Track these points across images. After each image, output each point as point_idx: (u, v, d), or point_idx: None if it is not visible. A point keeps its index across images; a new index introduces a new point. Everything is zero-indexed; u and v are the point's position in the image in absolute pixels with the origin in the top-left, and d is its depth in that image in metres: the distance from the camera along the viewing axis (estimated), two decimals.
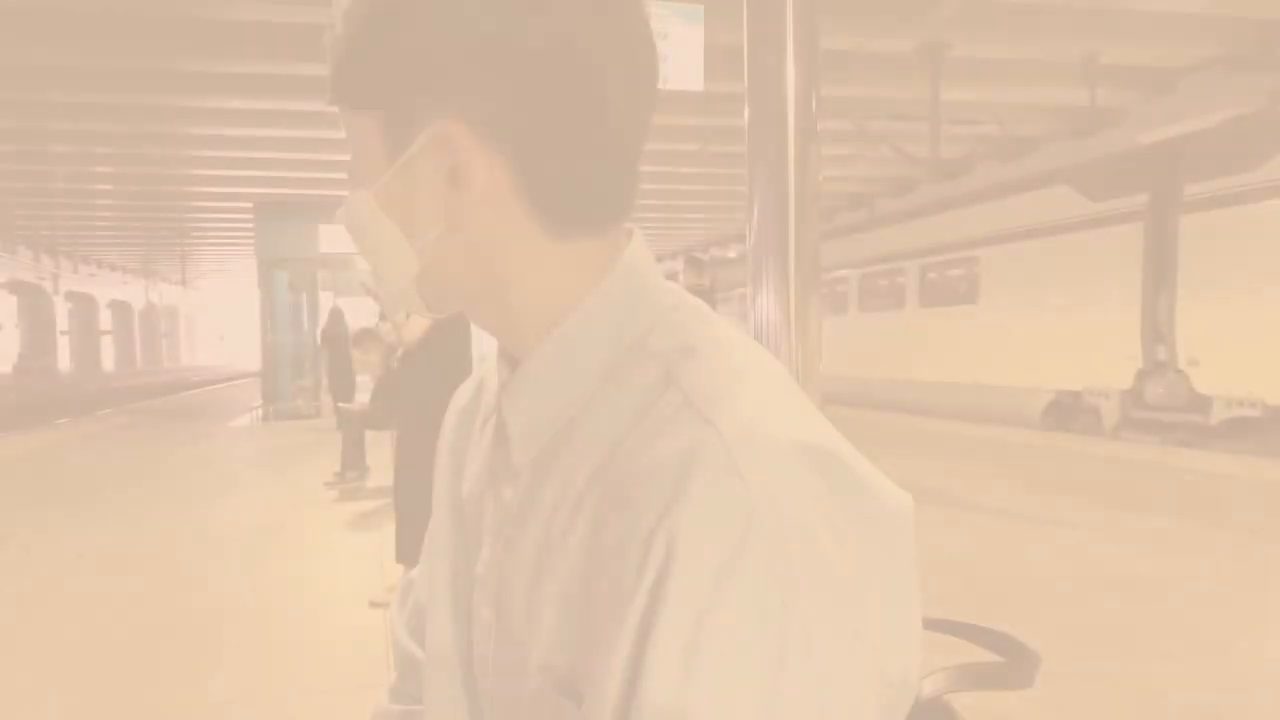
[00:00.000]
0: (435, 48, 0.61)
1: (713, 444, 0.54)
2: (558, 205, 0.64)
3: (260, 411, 16.58)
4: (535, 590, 0.63)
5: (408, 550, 4.33)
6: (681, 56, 7.02)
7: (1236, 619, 4.00)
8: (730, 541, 0.51)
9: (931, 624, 0.78)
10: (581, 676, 0.57)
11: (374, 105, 0.65)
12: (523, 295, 0.67)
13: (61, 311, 56.54)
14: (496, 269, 0.66)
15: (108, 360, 65.15)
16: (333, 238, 15.85)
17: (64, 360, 58.60)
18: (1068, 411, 11.61)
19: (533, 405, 0.67)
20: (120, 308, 66.66)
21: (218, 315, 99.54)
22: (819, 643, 0.52)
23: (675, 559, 0.51)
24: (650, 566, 0.52)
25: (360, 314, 16.03)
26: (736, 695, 0.50)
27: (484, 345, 0.78)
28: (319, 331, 14.60)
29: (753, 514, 0.52)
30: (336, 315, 13.01)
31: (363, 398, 10.34)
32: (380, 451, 8.91)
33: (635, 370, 0.63)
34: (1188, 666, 3.47)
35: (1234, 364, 9.21)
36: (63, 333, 58.04)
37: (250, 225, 19.51)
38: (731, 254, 32.14)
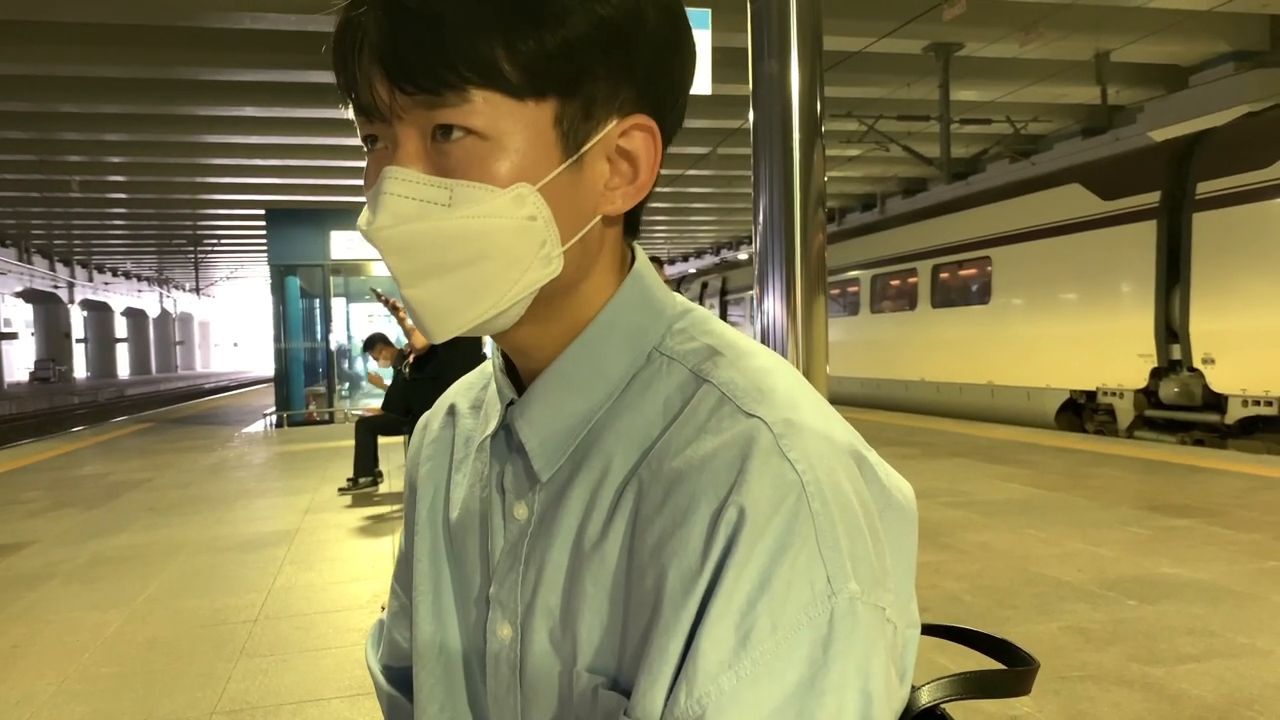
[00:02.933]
0: (624, 33, 0.60)
1: (762, 433, 0.57)
2: (643, 202, 0.66)
3: (274, 417, 16.65)
4: (572, 598, 0.63)
5: None
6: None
7: (1255, 619, 3.97)
8: (784, 523, 0.54)
9: (930, 630, 0.78)
10: (630, 671, 0.59)
11: (555, 92, 0.59)
12: (580, 299, 0.66)
13: (77, 319, 56.96)
14: (584, 270, 0.65)
15: (123, 367, 65.57)
16: (344, 244, 15.88)
17: (80, 368, 59.03)
18: (1082, 411, 11.56)
19: (551, 417, 0.66)
20: (135, 315, 67.08)
21: (231, 322, 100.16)
22: (861, 620, 0.54)
23: (739, 541, 0.54)
24: (715, 549, 0.55)
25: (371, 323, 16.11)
26: (787, 670, 0.53)
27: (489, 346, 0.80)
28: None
29: (802, 497, 0.55)
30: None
31: (375, 403, 10.38)
32: (393, 457, 8.94)
33: (658, 373, 0.65)
34: (1205, 668, 3.44)
35: (1249, 362, 9.14)
36: (79, 340, 58.49)
37: (262, 231, 19.62)
38: (743, 255, 32.16)
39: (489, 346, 0.80)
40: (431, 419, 0.84)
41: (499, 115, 0.58)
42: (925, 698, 0.67)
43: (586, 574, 0.62)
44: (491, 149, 0.58)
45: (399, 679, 0.83)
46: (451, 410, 0.81)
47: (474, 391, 0.81)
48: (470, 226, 0.59)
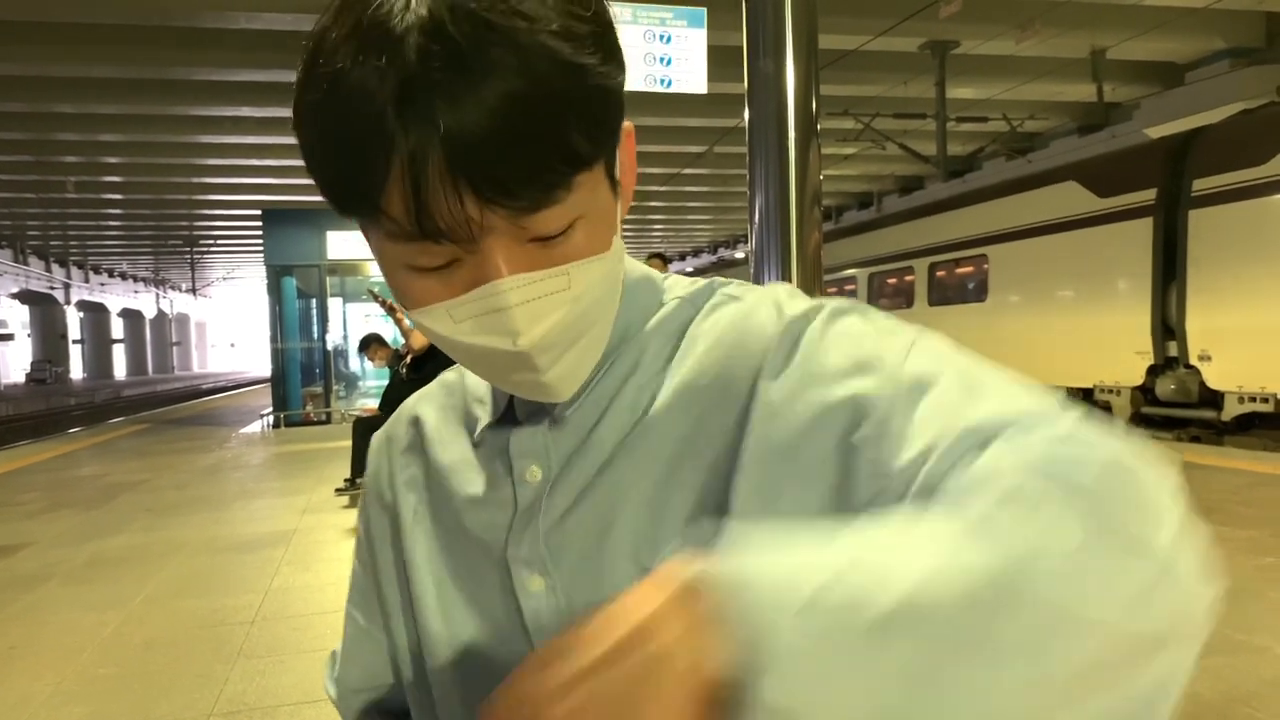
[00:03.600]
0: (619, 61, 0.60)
1: (778, 290, 0.70)
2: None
3: (271, 418, 16.63)
4: (664, 503, 0.66)
5: None
6: (685, 59, 7.02)
7: (1251, 616, 3.98)
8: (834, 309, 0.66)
9: None
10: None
11: (605, 150, 0.59)
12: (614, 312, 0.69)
13: (73, 320, 56.88)
14: (617, 286, 0.67)
15: (119, 369, 65.48)
16: (340, 244, 15.86)
17: (76, 369, 58.92)
18: None
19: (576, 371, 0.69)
20: (131, 316, 66.98)
21: (228, 322, 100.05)
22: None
23: (805, 337, 0.64)
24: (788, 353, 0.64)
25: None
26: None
27: None
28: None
29: (822, 305, 0.66)
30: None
31: (372, 403, 10.37)
32: None
33: (669, 311, 0.72)
34: (1202, 665, 3.42)
35: (1246, 359, 9.16)
36: (75, 341, 58.40)
37: (259, 232, 19.61)
38: (739, 254, 32.14)
39: None
40: (394, 433, 0.84)
41: (585, 190, 0.57)
42: None
43: (633, 474, 0.66)
44: (591, 223, 0.59)
45: (373, 704, 0.84)
46: (415, 421, 0.82)
47: (436, 400, 0.82)
48: (590, 301, 0.61)
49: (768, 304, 0.68)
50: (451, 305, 0.58)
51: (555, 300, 0.58)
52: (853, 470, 0.57)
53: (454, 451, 0.77)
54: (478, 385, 0.78)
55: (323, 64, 0.54)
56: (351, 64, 0.53)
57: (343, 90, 0.53)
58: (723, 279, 0.76)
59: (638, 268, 0.75)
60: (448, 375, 0.83)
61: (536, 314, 0.58)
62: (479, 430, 0.75)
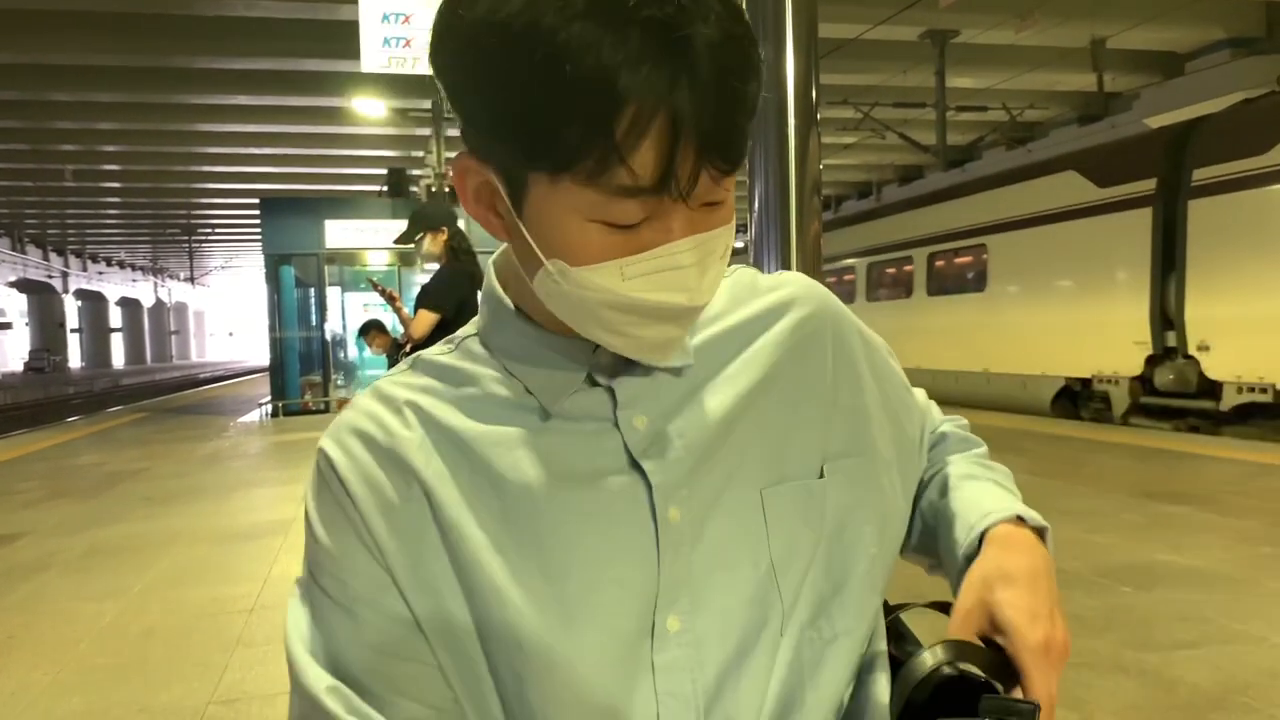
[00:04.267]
0: None
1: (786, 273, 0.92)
2: None
3: (269, 407, 16.63)
4: (766, 433, 0.77)
5: None
6: None
7: (1249, 606, 3.99)
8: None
9: (938, 605, 0.79)
10: (837, 444, 0.81)
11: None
12: None
13: (71, 309, 56.84)
14: None
15: (117, 357, 65.45)
16: (339, 233, 15.84)
17: (74, 358, 58.87)
18: (1077, 399, 11.58)
19: None
20: (130, 305, 66.93)
21: (226, 311, 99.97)
22: None
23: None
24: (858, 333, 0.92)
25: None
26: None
27: None
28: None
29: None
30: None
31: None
32: None
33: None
34: (1200, 655, 3.46)
35: (1244, 349, 9.16)
36: (73, 330, 58.36)
37: (257, 221, 19.58)
38: (739, 244, 32.09)
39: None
40: (374, 434, 0.73)
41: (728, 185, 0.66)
42: (930, 660, 0.68)
43: (752, 416, 0.77)
44: (732, 195, 0.67)
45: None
46: (405, 410, 0.74)
47: (429, 388, 0.75)
48: (726, 261, 0.69)
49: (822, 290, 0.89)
50: (626, 262, 0.62)
51: (714, 262, 0.66)
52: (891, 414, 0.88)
53: (505, 426, 0.72)
54: (523, 365, 0.74)
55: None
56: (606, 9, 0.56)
57: (599, 30, 0.56)
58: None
59: None
60: (400, 372, 0.77)
61: (704, 273, 0.65)
62: (561, 400, 0.73)
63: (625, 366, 0.74)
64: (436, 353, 0.78)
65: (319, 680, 0.75)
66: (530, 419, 0.73)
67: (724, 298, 0.82)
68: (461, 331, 0.79)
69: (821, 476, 0.77)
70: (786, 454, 0.77)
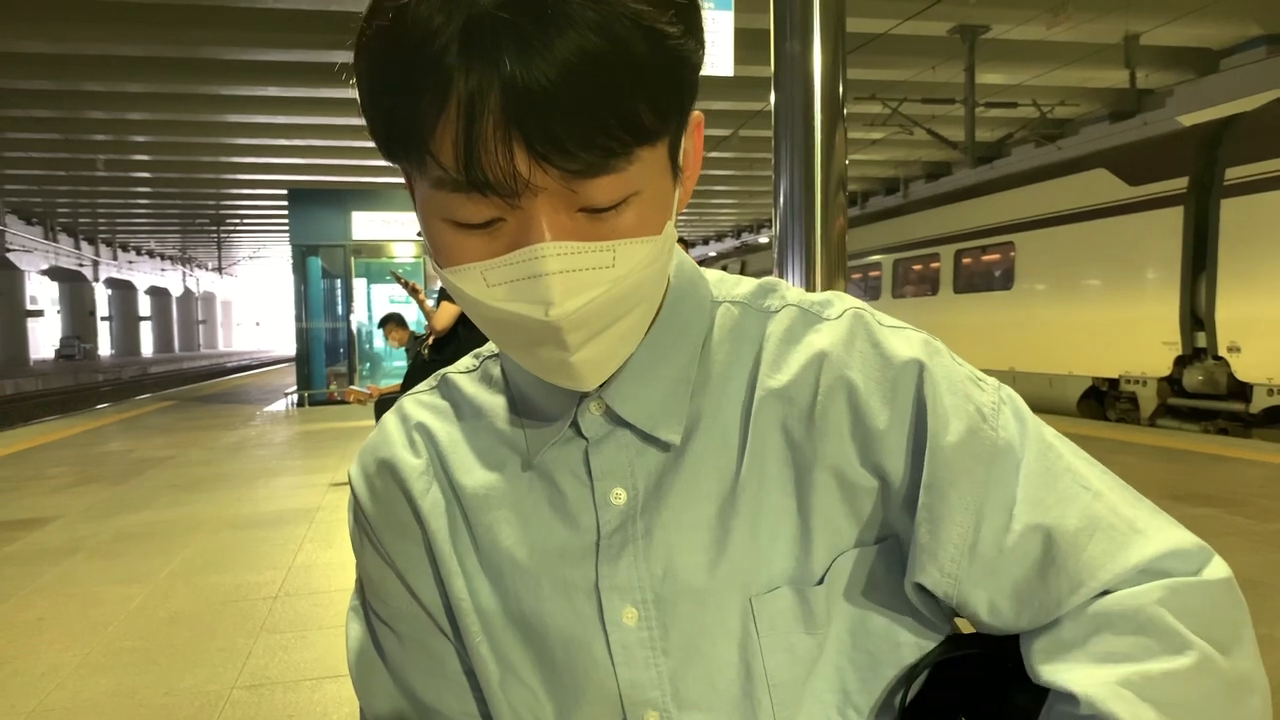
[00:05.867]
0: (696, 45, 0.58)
1: (863, 317, 0.69)
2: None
3: (295, 396, 16.75)
4: (729, 537, 0.65)
5: None
6: (712, 41, 6.96)
7: (1276, 610, 3.93)
8: (935, 358, 0.67)
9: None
10: (818, 558, 0.66)
11: (675, 124, 0.58)
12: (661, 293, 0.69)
13: (102, 298, 57.48)
14: (664, 275, 0.65)
15: (146, 346, 66.15)
16: (365, 224, 15.93)
17: (104, 346, 59.53)
18: (1104, 399, 11.47)
19: (650, 388, 0.67)
20: (158, 294, 67.61)
21: (253, 301, 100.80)
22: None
23: (924, 390, 0.64)
24: (912, 400, 0.65)
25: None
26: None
27: None
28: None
29: (928, 340, 0.68)
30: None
31: (394, 382, 10.42)
32: None
33: (729, 317, 0.71)
34: None
35: (1276, 350, 9.03)
36: (103, 318, 59.04)
37: (285, 212, 19.70)
38: (763, 239, 32.00)
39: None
40: (392, 456, 0.75)
41: (645, 167, 0.55)
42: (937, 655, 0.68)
43: (745, 505, 0.65)
44: (646, 201, 0.57)
45: None
46: (422, 436, 0.75)
47: (444, 413, 0.76)
48: (632, 283, 0.58)
49: (862, 335, 0.68)
50: (487, 266, 0.56)
51: (596, 276, 0.55)
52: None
53: (494, 472, 0.72)
54: (523, 398, 0.72)
55: None
56: None
57: (406, 23, 0.51)
58: (771, 279, 0.75)
59: (688, 262, 0.72)
60: (463, 388, 0.77)
61: (574, 286, 0.55)
62: (542, 452, 0.70)
63: (612, 418, 0.68)
64: (460, 371, 0.78)
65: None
66: (516, 468, 0.71)
67: (746, 344, 0.70)
68: (488, 347, 0.78)
69: (820, 583, 0.66)
70: (775, 549, 0.67)
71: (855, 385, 0.65)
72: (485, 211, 0.54)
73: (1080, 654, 0.59)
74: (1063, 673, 0.59)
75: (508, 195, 0.53)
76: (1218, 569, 0.61)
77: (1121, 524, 0.62)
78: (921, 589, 0.65)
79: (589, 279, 0.55)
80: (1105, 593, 0.60)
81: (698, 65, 0.57)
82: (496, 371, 0.76)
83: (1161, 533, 0.62)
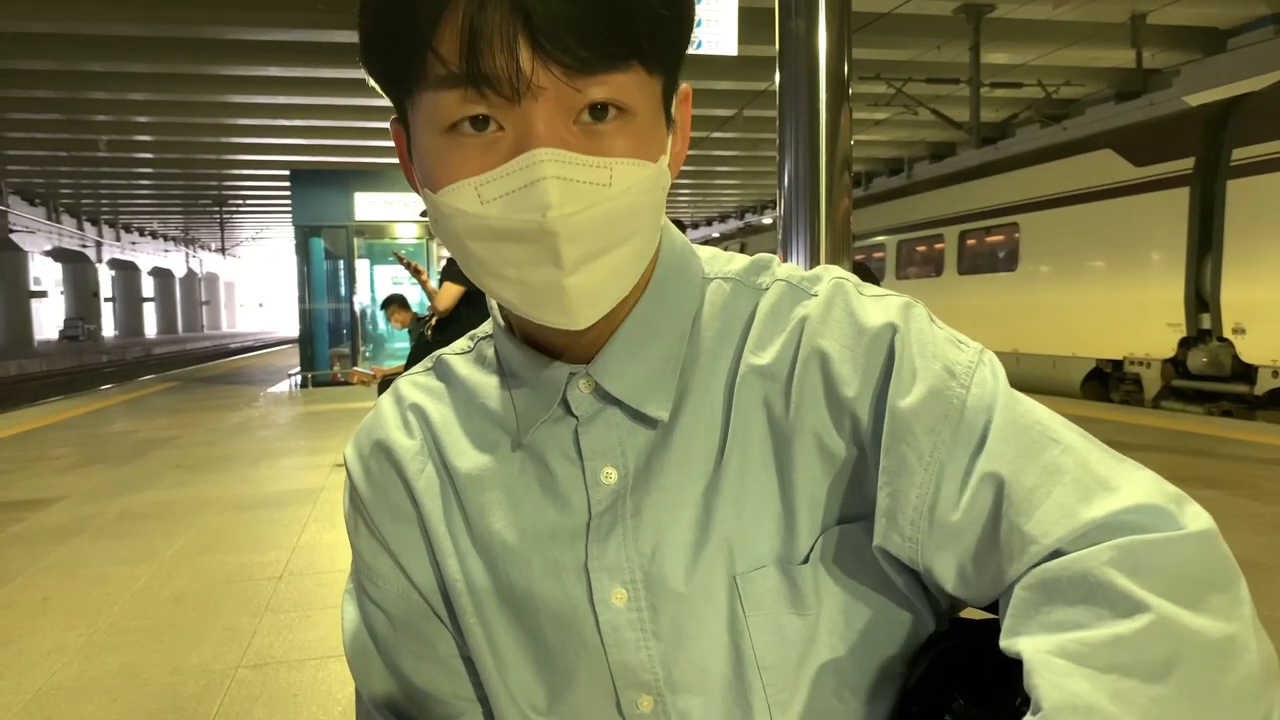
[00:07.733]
0: (694, 5, 0.61)
1: (843, 285, 0.68)
2: None
3: (298, 377, 16.78)
4: (713, 516, 0.65)
5: None
6: (715, 19, 6.91)
7: (1279, 592, 3.94)
8: (912, 321, 0.66)
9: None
10: (803, 535, 0.66)
11: (669, 67, 0.61)
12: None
13: (105, 279, 57.49)
14: (660, 207, 0.65)
15: (150, 327, 66.23)
16: (368, 205, 15.89)
17: (108, 327, 59.57)
18: (1108, 381, 11.45)
19: (639, 364, 0.67)
20: (162, 275, 67.62)
21: (256, 282, 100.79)
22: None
23: (896, 352, 0.63)
24: (881, 365, 0.64)
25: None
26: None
27: None
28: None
29: (907, 303, 0.67)
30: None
31: (396, 364, 10.43)
32: None
33: (721, 293, 0.70)
34: None
35: None
36: (107, 299, 59.08)
37: (287, 192, 19.66)
38: (767, 220, 31.90)
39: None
40: (387, 438, 0.76)
41: (642, 91, 0.57)
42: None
43: (729, 484, 0.65)
44: (639, 125, 0.58)
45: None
46: (417, 416, 0.76)
47: (437, 392, 0.77)
48: (629, 205, 0.58)
49: (839, 304, 0.67)
50: (481, 181, 0.56)
51: (593, 192, 0.56)
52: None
53: (486, 454, 0.72)
54: (515, 377, 0.72)
55: None
56: None
57: None
58: (765, 255, 0.75)
59: (679, 238, 0.73)
60: (457, 369, 0.77)
61: (571, 195, 0.55)
62: (532, 431, 0.70)
63: (601, 396, 0.68)
64: (455, 352, 0.78)
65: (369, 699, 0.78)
66: (507, 449, 0.71)
67: (734, 322, 0.70)
68: (483, 328, 0.79)
69: (806, 561, 0.66)
70: (761, 527, 0.66)
71: (828, 353, 0.64)
72: (473, 108, 0.55)
73: (1032, 624, 0.54)
74: (1017, 644, 0.54)
75: (508, 94, 0.53)
76: (1193, 521, 0.57)
77: (1089, 479, 0.58)
78: (894, 559, 0.64)
79: (586, 192, 0.56)
80: (1059, 553, 0.54)
81: (690, 23, 0.61)
82: (490, 353, 0.76)
83: (1134, 487, 0.58)
